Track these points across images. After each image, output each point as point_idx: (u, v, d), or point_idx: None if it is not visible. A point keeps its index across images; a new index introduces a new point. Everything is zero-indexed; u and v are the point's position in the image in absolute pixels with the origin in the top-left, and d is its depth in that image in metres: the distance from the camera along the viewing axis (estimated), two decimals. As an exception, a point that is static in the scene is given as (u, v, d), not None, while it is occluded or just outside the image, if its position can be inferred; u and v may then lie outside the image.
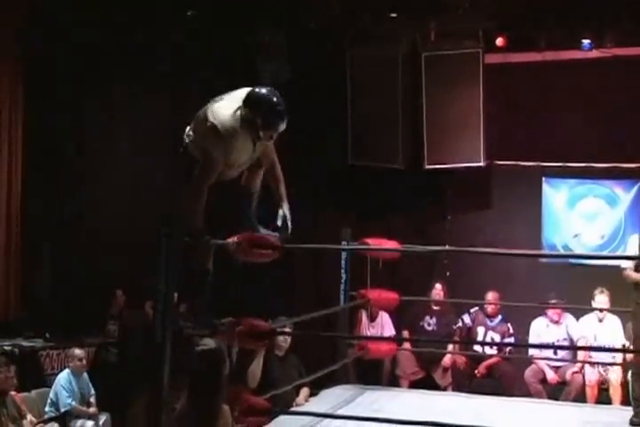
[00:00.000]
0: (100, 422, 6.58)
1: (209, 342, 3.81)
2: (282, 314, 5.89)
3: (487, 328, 7.63)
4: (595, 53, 7.85)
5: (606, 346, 7.18)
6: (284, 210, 4.24)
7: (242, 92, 4.12)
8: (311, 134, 8.20)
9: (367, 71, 8.27)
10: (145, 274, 4.22)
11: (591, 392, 7.06)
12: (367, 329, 7.72)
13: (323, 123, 8.34)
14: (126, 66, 8.49)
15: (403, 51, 8.24)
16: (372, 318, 7.75)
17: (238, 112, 4.03)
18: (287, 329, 5.77)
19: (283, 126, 4.06)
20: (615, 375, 7.04)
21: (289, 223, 4.23)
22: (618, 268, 5.84)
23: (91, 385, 6.74)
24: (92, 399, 6.71)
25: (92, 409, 6.65)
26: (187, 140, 4.20)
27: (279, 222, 4.24)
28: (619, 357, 7.12)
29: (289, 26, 8.30)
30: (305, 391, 6.09)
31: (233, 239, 4.12)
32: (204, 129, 4.06)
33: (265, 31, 8.27)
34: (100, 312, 8.10)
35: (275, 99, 4.03)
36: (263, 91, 4.07)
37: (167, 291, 3.97)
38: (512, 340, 7.62)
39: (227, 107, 4.07)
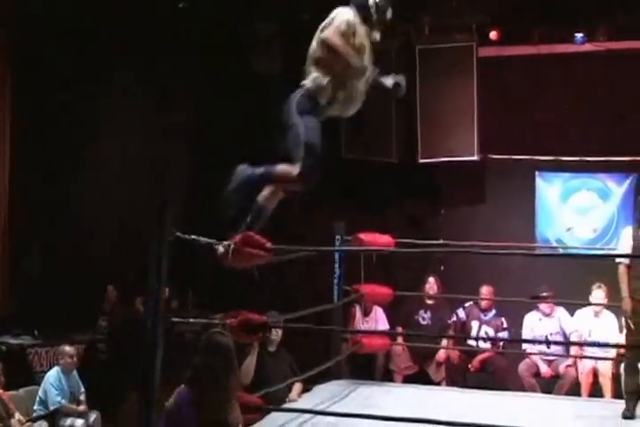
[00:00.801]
0: (90, 421, 6.49)
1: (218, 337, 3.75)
2: (275, 309, 5.85)
3: (481, 322, 7.60)
4: (587, 47, 7.85)
5: (600, 341, 7.18)
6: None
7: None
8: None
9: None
10: (136, 270, 4.18)
11: (585, 384, 7.06)
12: (361, 324, 7.69)
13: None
14: (115, 65, 8.40)
15: (397, 44, 8.19)
16: (366, 313, 7.72)
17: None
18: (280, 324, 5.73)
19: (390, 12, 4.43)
20: (607, 368, 7.04)
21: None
22: (612, 261, 5.83)
23: (81, 383, 6.67)
24: (82, 397, 6.64)
25: (82, 407, 6.58)
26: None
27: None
28: (612, 351, 7.12)
29: (282, 17, 8.25)
30: (298, 387, 6.05)
31: (224, 244, 4.10)
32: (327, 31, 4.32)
33: (258, 22, 8.22)
34: (91, 308, 8.04)
35: None
36: None
37: (158, 287, 3.93)
38: (506, 334, 7.58)
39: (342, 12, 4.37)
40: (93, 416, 6.51)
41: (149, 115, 8.51)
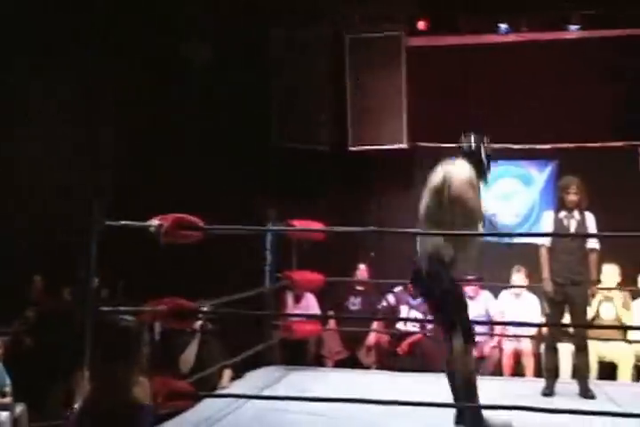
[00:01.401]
0: (16, 413, 6.33)
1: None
2: (206, 297, 5.83)
3: (410, 307, 7.70)
4: (511, 37, 8.00)
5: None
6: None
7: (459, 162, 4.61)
8: (235, 116, 8.13)
9: (291, 53, 8.22)
10: (64, 259, 4.13)
11: (508, 364, 7.24)
12: (292, 310, 7.71)
13: (247, 104, 8.26)
14: (38, 51, 8.18)
15: (327, 33, 8.21)
16: (298, 300, 7.74)
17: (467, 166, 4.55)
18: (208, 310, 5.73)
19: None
20: (528, 348, 7.24)
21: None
22: (534, 245, 5.98)
23: (6, 374, 6.52)
24: (8, 389, 6.49)
25: (7, 399, 6.42)
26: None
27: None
28: (533, 331, 7.32)
29: (213, 5, 8.18)
30: (228, 373, 6.06)
31: (155, 221, 4.08)
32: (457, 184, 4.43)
33: (188, 11, 8.14)
34: (16, 299, 7.86)
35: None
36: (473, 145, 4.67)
37: (88, 278, 3.90)
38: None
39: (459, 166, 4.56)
40: (19, 409, 6.34)
41: (76, 102, 8.34)
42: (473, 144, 4.68)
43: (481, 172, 4.63)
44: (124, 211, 4.15)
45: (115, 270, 6.95)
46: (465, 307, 4.48)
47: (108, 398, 3.10)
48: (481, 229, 4.60)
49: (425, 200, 4.57)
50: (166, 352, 6.32)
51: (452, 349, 4.32)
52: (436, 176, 4.55)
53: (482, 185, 4.64)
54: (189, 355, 6.05)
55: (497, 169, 8.37)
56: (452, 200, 4.43)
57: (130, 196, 7.52)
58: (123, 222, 4.10)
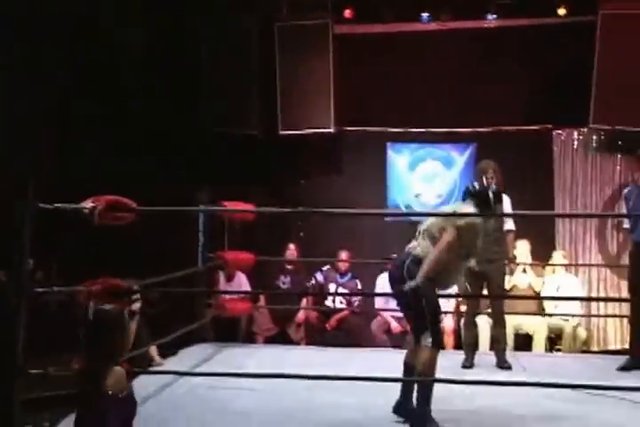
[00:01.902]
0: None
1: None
2: (140, 277, 5.83)
3: (338, 285, 7.82)
4: (433, 26, 8.11)
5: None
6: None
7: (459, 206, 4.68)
8: (167, 101, 8.08)
9: (222, 40, 8.19)
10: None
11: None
12: (225, 289, 7.74)
13: (179, 90, 8.21)
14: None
15: (257, 21, 8.20)
16: (230, 279, 7.77)
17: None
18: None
19: None
20: (449, 323, 7.43)
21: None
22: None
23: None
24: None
25: None
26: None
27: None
28: (452, 307, 7.51)
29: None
30: (154, 349, 6.08)
31: (88, 203, 4.06)
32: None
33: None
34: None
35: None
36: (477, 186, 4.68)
37: (22, 259, 3.87)
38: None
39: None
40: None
41: (12, 85, 8.13)
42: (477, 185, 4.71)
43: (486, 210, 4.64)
44: (55, 194, 4.11)
45: (49, 252, 6.87)
46: (438, 314, 4.53)
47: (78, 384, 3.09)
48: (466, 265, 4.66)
49: (433, 220, 4.58)
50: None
51: (420, 351, 4.37)
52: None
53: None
54: (130, 334, 6.04)
55: (420, 152, 8.60)
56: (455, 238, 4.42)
57: (61, 180, 7.41)
58: (56, 205, 4.07)
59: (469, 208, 4.56)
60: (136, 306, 6.07)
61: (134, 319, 6.04)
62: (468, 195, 4.65)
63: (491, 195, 4.61)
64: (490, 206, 4.62)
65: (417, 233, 4.58)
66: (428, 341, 4.32)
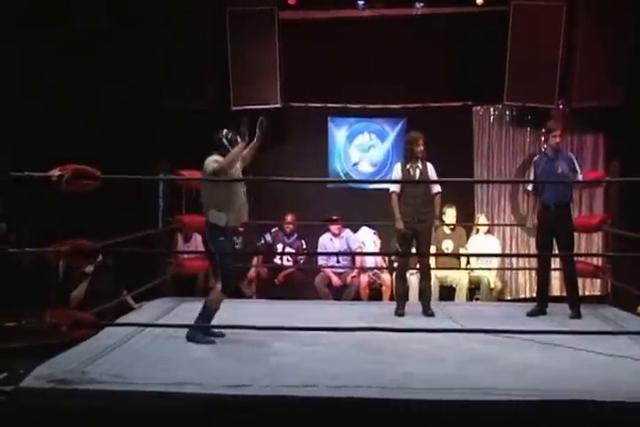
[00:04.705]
0: None
1: None
2: (105, 238, 5.69)
3: (285, 244, 7.79)
4: (368, 12, 8.05)
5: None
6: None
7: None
8: (124, 78, 7.86)
9: (176, 23, 7.97)
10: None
11: (364, 292, 7.46)
12: (183, 249, 7.65)
13: (137, 67, 7.97)
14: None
15: (210, 5, 8.02)
16: (187, 240, 7.70)
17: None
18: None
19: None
20: (385, 277, 7.49)
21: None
22: (387, 191, 6.15)
23: None
24: None
25: None
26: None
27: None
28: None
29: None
30: (129, 298, 6.21)
31: (55, 171, 3.93)
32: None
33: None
34: None
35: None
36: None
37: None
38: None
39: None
40: None
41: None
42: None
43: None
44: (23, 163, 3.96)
45: (21, 217, 6.67)
46: (232, 269, 5.00)
47: None
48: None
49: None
50: (70, 289, 6.21)
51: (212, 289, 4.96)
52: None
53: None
54: (79, 293, 6.17)
55: (357, 125, 8.56)
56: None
57: (28, 152, 7.14)
58: (26, 173, 3.93)
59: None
60: (89, 269, 6.04)
61: (86, 280, 6.06)
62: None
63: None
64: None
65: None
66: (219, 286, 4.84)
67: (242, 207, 4.99)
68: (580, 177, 5.89)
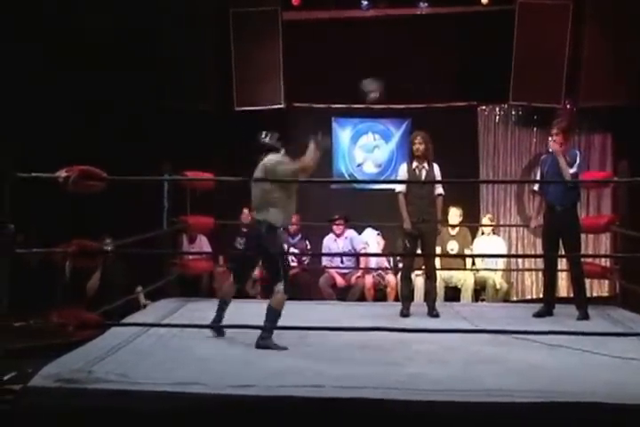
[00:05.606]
0: None
1: None
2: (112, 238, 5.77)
3: (289, 245, 7.83)
4: (371, 12, 8.10)
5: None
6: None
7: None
8: (128, 79, 7.92)
9: (181, 24, 8.05)
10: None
11: (368, 293, 7.51)
12: (187, 250, 7.70)
13: (140, 67, 8.02)
14: None
15: (213, 6, 8.09)
16: (192, 241, 7.75)
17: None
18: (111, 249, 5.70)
19: None
20: (390, 278, 7.52)
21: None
22: (393, 191, 6.18)
23: None
24: None
25: None
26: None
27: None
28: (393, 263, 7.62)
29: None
30: (142, 296, 6.37)
31: (62, 172, 3.99)
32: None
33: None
34: None
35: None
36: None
37: (5, 224, 3.80)
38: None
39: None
40: None
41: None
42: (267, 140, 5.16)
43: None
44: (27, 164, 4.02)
45: (28, 218, 6.73)
46: (288, 266, 5.13)
47: None
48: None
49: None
50: (77, 289, 6.29)
51: (275, 291, 4.97)
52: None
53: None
54: (94, 283, 6.38)
55: (361, 126, 8.60)
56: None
57: (36, 151, 7.21)
58: (34, 174, 3.99)
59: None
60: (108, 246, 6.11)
61: (99, 270, 6.16)
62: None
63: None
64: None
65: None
66: (280, 286, 4.91)
67: (294, 209, 5.06)
68: (571, 171, 5.74)
